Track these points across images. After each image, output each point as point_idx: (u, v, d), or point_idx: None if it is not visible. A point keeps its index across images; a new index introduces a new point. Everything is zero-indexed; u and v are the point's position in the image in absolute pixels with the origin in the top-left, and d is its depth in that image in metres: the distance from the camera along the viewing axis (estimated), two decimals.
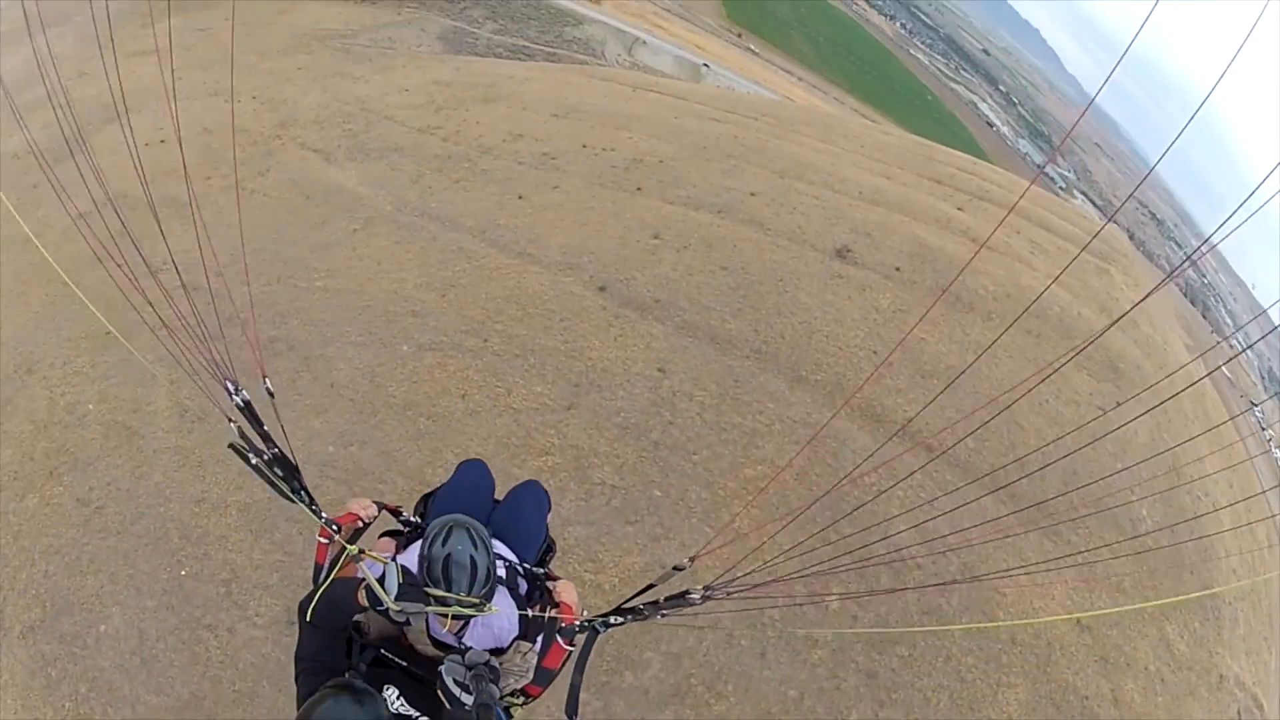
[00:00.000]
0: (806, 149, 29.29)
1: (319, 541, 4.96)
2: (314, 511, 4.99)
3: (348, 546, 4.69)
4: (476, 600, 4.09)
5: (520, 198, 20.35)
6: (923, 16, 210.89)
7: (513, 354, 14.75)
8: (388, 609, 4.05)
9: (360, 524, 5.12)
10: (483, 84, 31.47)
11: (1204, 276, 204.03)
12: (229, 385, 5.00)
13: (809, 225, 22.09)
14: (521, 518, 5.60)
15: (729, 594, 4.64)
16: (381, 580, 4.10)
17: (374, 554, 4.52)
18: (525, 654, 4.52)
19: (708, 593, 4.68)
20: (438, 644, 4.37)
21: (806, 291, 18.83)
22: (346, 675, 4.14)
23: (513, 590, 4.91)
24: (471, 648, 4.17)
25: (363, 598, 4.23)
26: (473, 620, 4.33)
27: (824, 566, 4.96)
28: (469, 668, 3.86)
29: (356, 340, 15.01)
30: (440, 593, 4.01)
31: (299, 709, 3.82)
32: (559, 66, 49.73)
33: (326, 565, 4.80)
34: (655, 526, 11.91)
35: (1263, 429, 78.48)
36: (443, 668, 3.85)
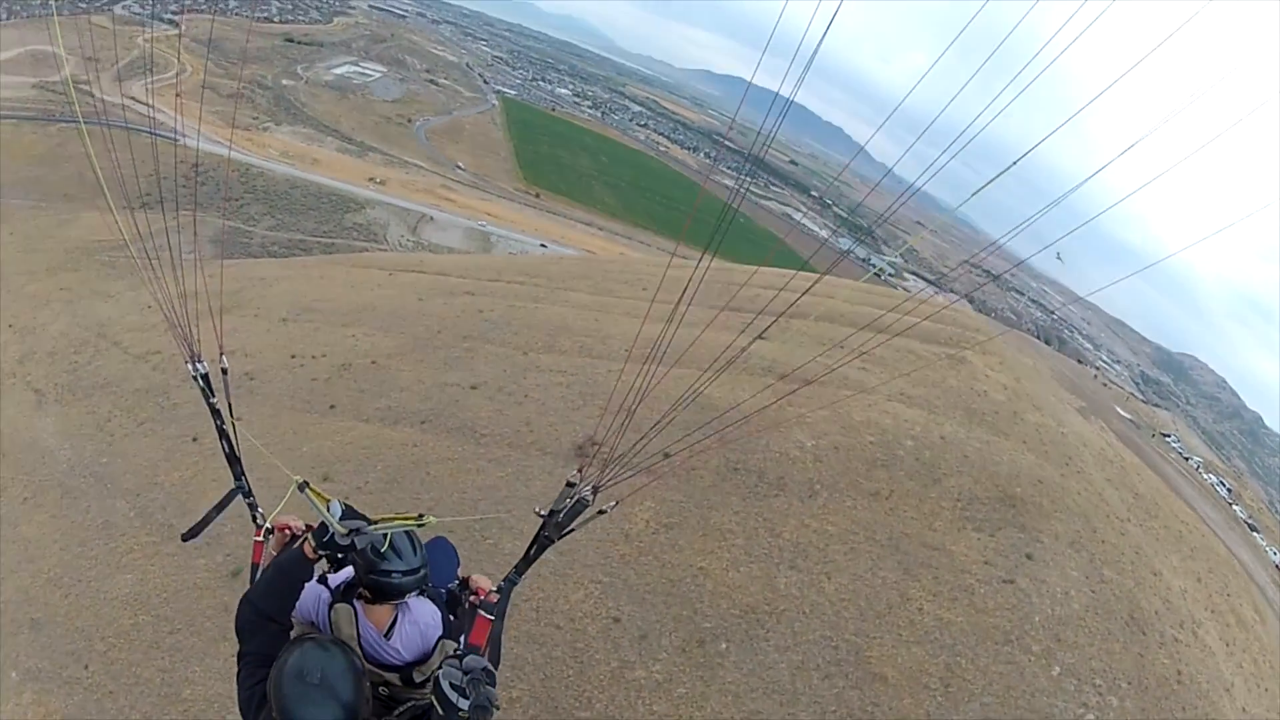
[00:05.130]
0: (570, 308, 25.89)
1: (255, 541, 5.36)
2: (250, 505, 5.67)
3: (294, 477, 4.90)
4: (414, 516, 4.50)
5: (195, 439, 18.44)
6: (726, 143, 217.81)
7: (105, 690, 12.81)
8: (334, 535, 4.29)
9: (289, 533, 5.15)
10: (228, 291, 30.29)
11: (1052, 313, 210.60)
12: (192, 359, 5.89)
13: (542, 417, 17.21)
14: (436, 552, 5.64)
15: (607, 483, 5.27)
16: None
17: (318, 490, 4.60)
18: (449, 654, 4.61)
19: (597, 487, 5.23)
20: (368, 658, 4.59)
21: (522, 536, 13.07)
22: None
23: (435, 600, 5.08)
24: (400, 651, 4.66)
25: (310, 549, 4.37)
26: (399, 620, 4.71)
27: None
28: (466, 672, 3.99)
29: None
30: (382, 519, 4.45)
31: (242, 699, 4.25)
32: (321, 260, 47.61)
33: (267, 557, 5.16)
34: None
35: (1186, 458, 75.73)
36: (440, 672, 4.01)
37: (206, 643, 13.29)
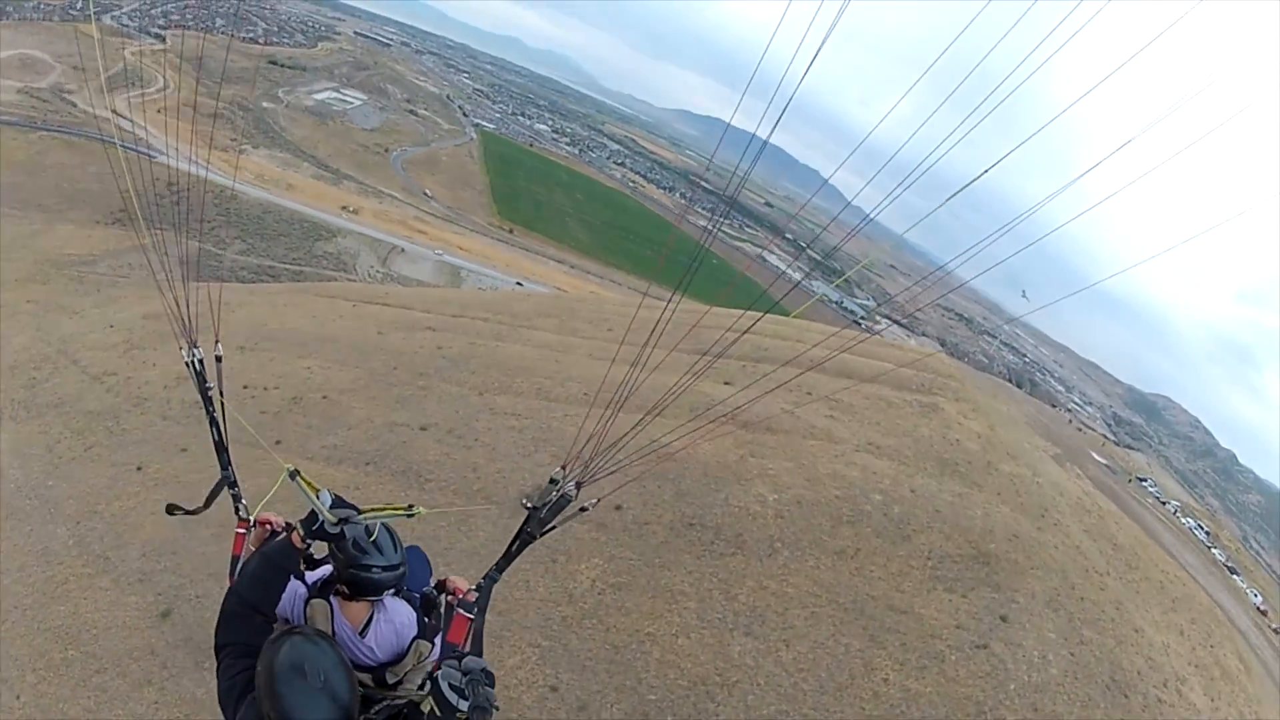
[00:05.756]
0: (532, 347, 25.20)
1: (237, 533, 5.30)
2: (235, 496, 5.63)
3: (285, 465, 4.80)
4: (404, 506, 4.44)
5: (139, 469, 18.28)
6: (702, 183, 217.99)
7: None
8: (324, 523, 4.30)
9: (269, 529, 5.20)
10: (191, 314, 29.01)
11: (1024, 356, 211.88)
12: (189, 344, 6.05)
13: (490, 463, 16.27)
14: (409, 558, 5.24)
15: (592, 479, 5.19)
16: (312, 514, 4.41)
17: (308, 479, 4.57)
18: (423, 656, 4.73)
19: (580, 482, 5.16)
20: None
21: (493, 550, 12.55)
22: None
23: (410, 602, 5.04)
24: (374, 650, 4.61)
25: (298, 538, 4.41)
26: (375, 619, 4.64)
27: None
28: (465, 673, 3.90)
29: None
30: (371, 511, 4.43)
31: (223, 689, 4.06)
32: (284, 288, 46.59)
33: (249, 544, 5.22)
34: None
35: (1163, 502, 75.55)
36: (439, 673, 3.90)
37: (131, 686, 12.79)
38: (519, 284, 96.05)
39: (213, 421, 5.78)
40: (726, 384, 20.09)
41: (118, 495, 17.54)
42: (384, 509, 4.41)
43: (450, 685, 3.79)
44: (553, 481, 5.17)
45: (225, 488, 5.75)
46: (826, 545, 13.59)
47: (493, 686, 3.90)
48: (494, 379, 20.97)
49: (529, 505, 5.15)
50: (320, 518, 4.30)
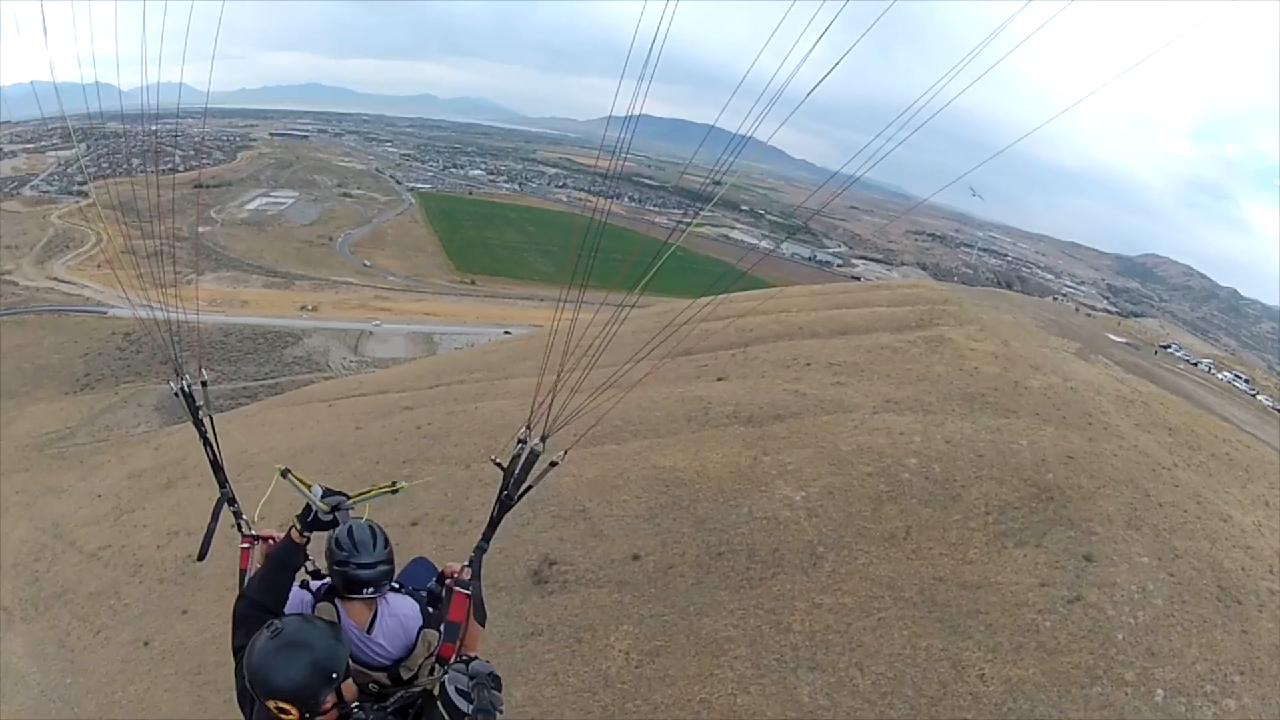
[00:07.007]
0: (513, 399, 23.90)
1: (242, 548, 5.44)
2: (235, 513, 5.70)
3: (276, 465, 5.10)
4: (388, 485, 5.03)
5: (146, 644, 17.55)
6: (646, 182, 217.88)
7: None
8: (317, 512, 4.63)
9: (272, 543, 5.23)
10: (172, 462, 30.08)
11: (1005, 256, 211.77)
12: (178, 374, 6.23)
13: (490, 544, 13.47)
14: (415, 566, 6.05)
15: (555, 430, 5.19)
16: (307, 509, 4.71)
17: (299, 476, 4.92)
18: (432, 645, 4.78)
19: (545, 435, 5.20)
20: (354, 659, 4.48)
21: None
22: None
23: (418, 600, 5.23)
24: (383, 644, 4.76)
25: (296, 533, 4.63)
26: (379, 614, 4.83)
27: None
28: (471, 677, 4.11)
29: None
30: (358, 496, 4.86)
31: (239, 690, 4.25)
32: (263, 406, 45.73)
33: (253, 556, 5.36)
34: None
35: (1194, 363, 74.44)
36: (446, 677, 4.17)
37: None
38: (507, 332, 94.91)
39: (206, 442, 5.94)
40: (720, 380, 18.76)
41: (131, 678, 17.03)
42: (370, 490, 4.86)
43: (456, 689, 3.99)
44: (520, 442, 5.23)
45: (225, 505, 5.75)
46: (873, 533, 12.16)
47: (499, 690, 4.07)
48: (479, 446, 19.75)
49: (500, 463, 5.17)
50: (314, 509, 4.57)
